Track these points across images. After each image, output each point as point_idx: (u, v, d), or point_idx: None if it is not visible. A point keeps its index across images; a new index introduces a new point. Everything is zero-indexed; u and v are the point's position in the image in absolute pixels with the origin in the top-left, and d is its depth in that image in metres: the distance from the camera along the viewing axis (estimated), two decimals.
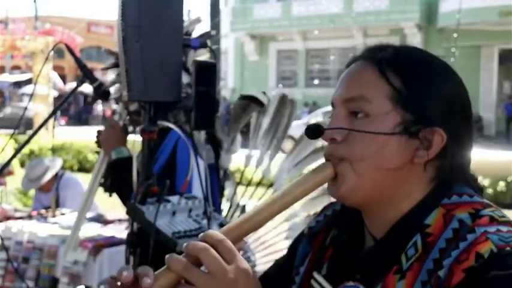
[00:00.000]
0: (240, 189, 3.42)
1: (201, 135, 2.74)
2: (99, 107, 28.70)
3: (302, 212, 3.39)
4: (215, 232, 0.86)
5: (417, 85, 0.95)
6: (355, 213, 1.02)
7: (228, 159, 3.18)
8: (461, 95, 0.99)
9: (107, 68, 2.70)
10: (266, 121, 3.30)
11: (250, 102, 3.22)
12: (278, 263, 1.21)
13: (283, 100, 3.28)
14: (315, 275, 1.05)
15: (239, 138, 3.23)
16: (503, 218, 0.90)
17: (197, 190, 2.40)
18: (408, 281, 0.90)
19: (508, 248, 0.84)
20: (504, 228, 0.88)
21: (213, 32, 2.85)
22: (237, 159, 3.27)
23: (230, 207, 3.32)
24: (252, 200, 3.45)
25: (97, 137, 2.72)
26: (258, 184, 3.42)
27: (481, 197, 0.96)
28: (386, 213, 0.97)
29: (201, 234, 0.87)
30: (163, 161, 2.48)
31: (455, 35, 10.02)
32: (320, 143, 3.30)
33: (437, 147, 0.94)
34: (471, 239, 0.86)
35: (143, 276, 0.82)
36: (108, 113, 24.87)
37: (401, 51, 1.00)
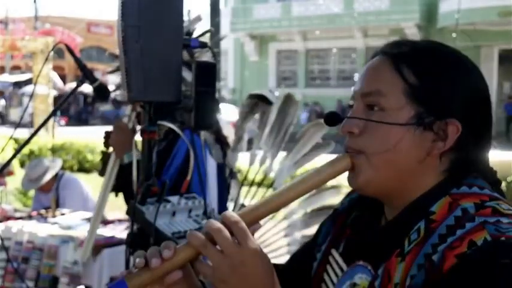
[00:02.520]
0: (244, 189, 3.43)
1: (207, 135, 2.74)
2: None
3: (300, 210, 3.41)
4: (232, 214, 0.92)
5: (431, 79, 0.97)
6: (376, 198, 1.06)
7: (234, 158, 3.20)
8: (479, 88, 1.00)
9: (113, 72, 2.69)
10: (271, 120, 3.31)
11: (258, 101, 3.23)
12: (305, 244, 1.27)
13: (288, 99, 3.30)
14: (333, 252, 1.11)
15: (246, 137, 3.24)
16: (509, 211, 0.91)
17: (197, 190, 2.40)
18: (407, 264, 0.92)
19: (502, 238, 0.86)
20: (505, 220, 0.89)
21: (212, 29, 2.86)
22: (242, 159, 3.29)
23: (234, 207, 3.33)
24: (254, 200, 3.46)
25: (105, 137, 2.72)
26: (260, 184, 3.43)
27: (493, 191, 0.97)
28: (400, 201, 1.00)
29: (222, 214, 0.93)
30: (177, 167, 2.45)
31: (454, 34, 10.02)
32: (318, 140, 3.33)
33: (453, 137, 0.96)
34: (468, 227, 0.89)
35: (152, 257, 0.90)
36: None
37: (419, 46, 1.03)
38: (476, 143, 0.99)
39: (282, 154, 3.40)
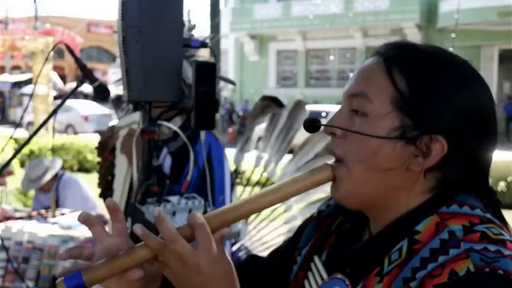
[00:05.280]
0: (248, 190, 3.45)
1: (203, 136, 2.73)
2: None
3: (300, 216, 3.43)
4: (199, 216, 0.89)
5: (423, 89, 0.88)
6: None
7: (240, 158, 3.20)
8: (478, 104, 0.91)
9: None
10: (280, 124, 3.33)
11: (270, 103, 3.26)
12: (280, 246, 1.20)
13: (298, 105, 3.33)
14: (315, 259, 1.05)
15: (254, 138, 3.26)
16: (499, 236, 0.83)
17: (219, 195, 2.40)
18: (384, 286, 0.86)
19: (487, 269, 0.78)
20: (492, 248, 0.81)
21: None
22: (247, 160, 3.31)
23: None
24: None
25: (98, 148, 2.70)
26: (264, 185, 3.45)
27: (486, 212, 0.89)
28: (384, 216, 0.93)
29: (190, 214, 0.90)
30: (197, 176, 2.40)
31: (453, 35, 10.01)
32: (321, 148, 3.34)
33: (437, 156, 0.88)
34: (452, 254, 0.81)
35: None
36: None
37: (418, 51, 0.93)
38: (466, 162, 0.90)
39: (286, 159, 3.43)
